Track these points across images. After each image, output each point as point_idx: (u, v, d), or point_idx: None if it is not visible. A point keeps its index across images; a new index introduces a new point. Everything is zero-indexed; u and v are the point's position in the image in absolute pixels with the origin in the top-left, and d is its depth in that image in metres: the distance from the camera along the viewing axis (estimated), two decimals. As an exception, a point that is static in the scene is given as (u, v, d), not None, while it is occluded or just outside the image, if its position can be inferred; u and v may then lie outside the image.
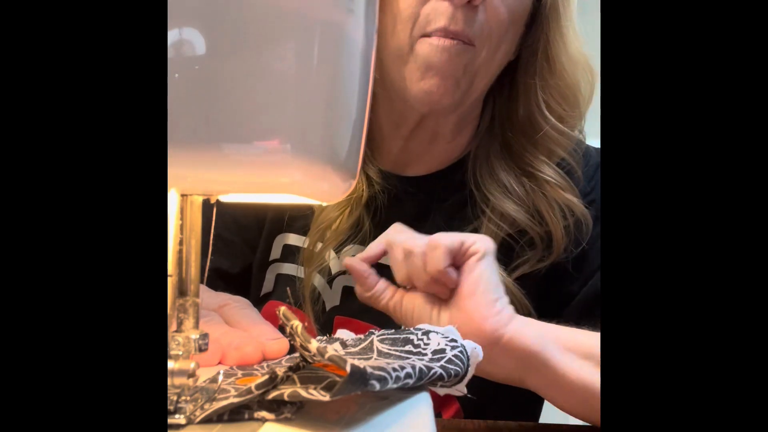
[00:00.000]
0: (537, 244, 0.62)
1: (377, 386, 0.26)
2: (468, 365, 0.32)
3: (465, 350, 0.32)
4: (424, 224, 0.65)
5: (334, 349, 0.28)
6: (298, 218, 0.67)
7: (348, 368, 0.25)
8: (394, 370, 0.27)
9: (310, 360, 0.30)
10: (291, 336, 0.29)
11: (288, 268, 0.67)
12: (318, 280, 0.65)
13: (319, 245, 0.64)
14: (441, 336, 0.33)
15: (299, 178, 0.27)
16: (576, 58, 0.63)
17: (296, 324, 0.28)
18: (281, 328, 0.34)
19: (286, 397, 0.26)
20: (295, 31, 0.25)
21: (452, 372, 0.31)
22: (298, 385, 0.27)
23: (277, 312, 0.30)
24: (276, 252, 0.68)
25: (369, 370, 0.26)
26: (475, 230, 0.63)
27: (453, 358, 0.31)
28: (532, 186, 0.63)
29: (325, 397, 0.25)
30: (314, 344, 0.28)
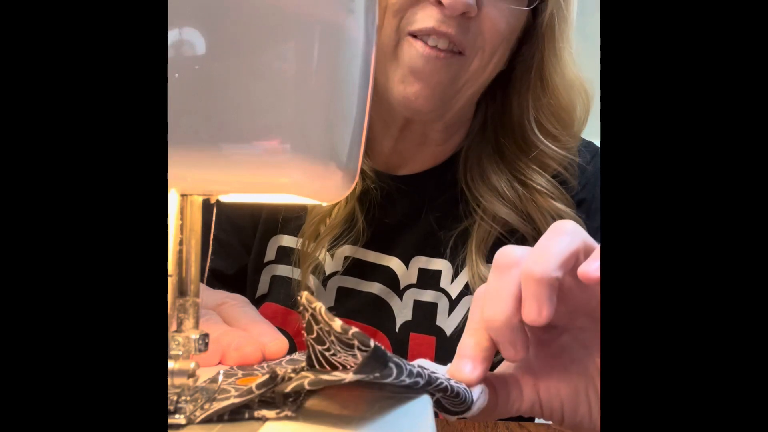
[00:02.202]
0: (530, 243, 0.62)
1: (394, 371, 0.26)
2: (472, 401, 0.32)
3: (468, 392, 0.32)
4: (416, 223, 0.65)
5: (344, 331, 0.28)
6: (292, 219, 0.67)
7: (372, 344, 0.25)
8: (407, 364, 0.28)
9: (319, 357, 0.30)
10: (312, 318, 0.29)
11: (283, 270, 0.67)
12: (312, 281, 0.65)
13: (313, 244, 0.64)
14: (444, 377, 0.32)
15: (299, 178, 0.27)
16: (570, 80, 0.63)
17: (318, 306, 0.28)
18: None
19: (306, 386, 0.26)
20: (295, 30, 0.25)
21: (455, 389, 0.31)
22: (313, 377, 0.27)
23: (299, 297, 0.30)
24: (270, 254, 0.68)
25: (389, 353, 0.26)
26: (467, 229, 0.63)
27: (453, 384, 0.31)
28: (524, 192, 0.63)
29: (347, 374, 0.26)
30: (338, 323, 0.28)
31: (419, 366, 0.30)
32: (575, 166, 0.65)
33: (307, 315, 0.29)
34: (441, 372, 0.33)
